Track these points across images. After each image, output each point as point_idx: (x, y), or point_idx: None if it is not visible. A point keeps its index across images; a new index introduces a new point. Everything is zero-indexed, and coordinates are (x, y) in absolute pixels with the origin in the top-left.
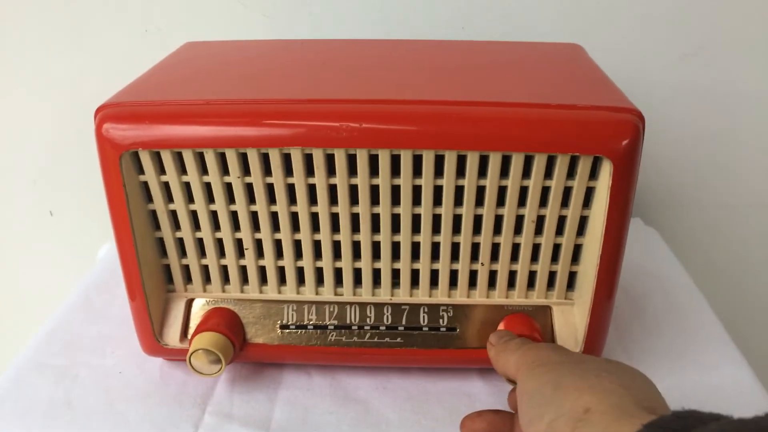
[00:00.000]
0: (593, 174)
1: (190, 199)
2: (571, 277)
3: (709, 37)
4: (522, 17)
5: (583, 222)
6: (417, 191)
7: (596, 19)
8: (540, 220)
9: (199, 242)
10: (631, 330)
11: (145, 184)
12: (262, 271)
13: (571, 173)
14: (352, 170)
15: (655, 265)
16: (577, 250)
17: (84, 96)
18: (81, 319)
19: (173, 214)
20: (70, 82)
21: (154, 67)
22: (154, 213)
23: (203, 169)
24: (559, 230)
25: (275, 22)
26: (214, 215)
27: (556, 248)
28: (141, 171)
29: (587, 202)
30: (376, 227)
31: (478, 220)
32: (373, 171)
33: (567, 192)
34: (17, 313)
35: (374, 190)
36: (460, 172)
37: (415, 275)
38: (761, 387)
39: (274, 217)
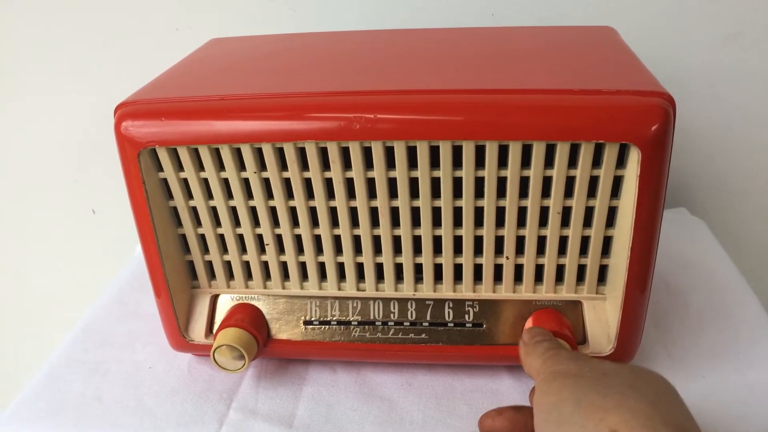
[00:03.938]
0: (621, 162)
1: (209, 195)
2: (603, 271)
3: (756, 15)
4: (553, 1)
5: (612, 213)
6: (436, 183)
7: (633, 1)
8: (566, 212)
9: (221, 238)
10: (672, 326)
11: (165, 181)
12: (283, 266)
13: (597, 162)
14: (369, 163)
15: (700, 258)
16: (607, 242)
17: (120, 94)
18: (115, 316)
19: (194, 211)
20: (107, 81)
21: (176, 64)
22: (175, 210)
23: (220, 165)
24: (587, 221)
25: (302, 16)
26: (234, 211)
27: (585, 240)
28: (160, 168)
29: (616, 191)
30: (396, 221)
31: (501, 212)
32: (390, 163)
33: (595, 182)
34: (61, 310)
35: (392, 183)
36: (480, 162)
37: (438, 270)
38: None
39: (293, 212)
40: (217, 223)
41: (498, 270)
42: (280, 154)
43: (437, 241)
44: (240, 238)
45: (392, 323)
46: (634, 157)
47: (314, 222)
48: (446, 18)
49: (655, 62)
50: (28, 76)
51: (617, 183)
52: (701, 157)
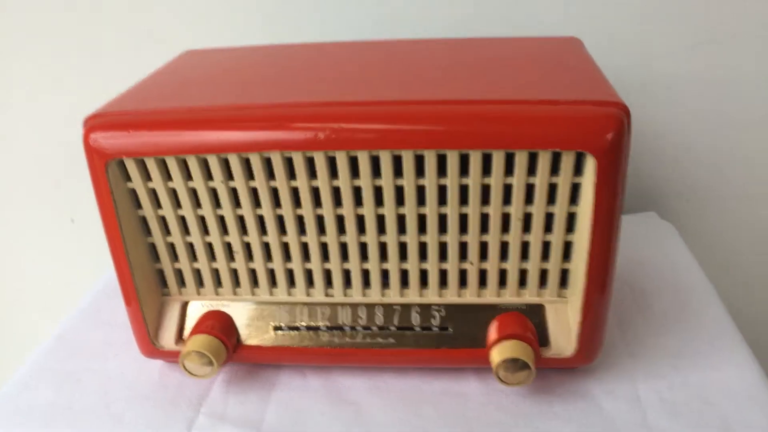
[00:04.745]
0: (579, 170)
1: (178, 204)
2: (564, 275)
3: (724, 24)
4: (525, 10)
5: (572, 218)
6: (400, 192)
7: (603, 10)
8: (528, 218)
9: (190, 247)
10: (636, 327)
11: (134, 192)
12: (252, 273)
13: (555, 170)
14: (334, 172)
15: (667, 261)
16: (568, 247)
17: (99, 104)
18: (89, 324)
19: (163, 220)
20: (85, 91)
21: (148, 76)
22: (144, 219)
23: (188, 175)
24: (548, 227)
25: (283, 28)
26: (202, 220)
27: (546, 246)
28: (128, 178)
29: (575, 198)
30: (362, 229)
31: (464, 219)
32: (355, 172)
33: (554, 189)
34: (37, 318)
35: (357, 192)
36: (442, 171)
37: (404, 275)
38: None
39: (260, 220)
40: (186, 231)
41: (463, 275)
42: (247, 164)
43: (403, 248)
44: (209, 247)
45: (360, 328)
46: (591, 165)
47: (282, 230)
48: (423, 29)
49: (622, 70)
50: (5, 85)
51: (576, 190)
52: (671, 161)
